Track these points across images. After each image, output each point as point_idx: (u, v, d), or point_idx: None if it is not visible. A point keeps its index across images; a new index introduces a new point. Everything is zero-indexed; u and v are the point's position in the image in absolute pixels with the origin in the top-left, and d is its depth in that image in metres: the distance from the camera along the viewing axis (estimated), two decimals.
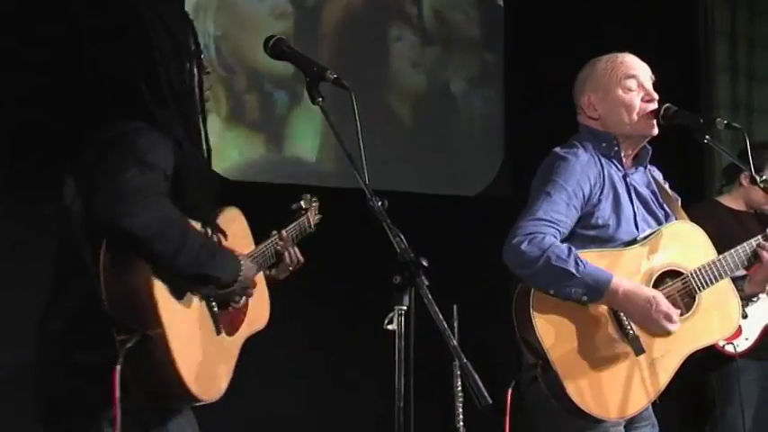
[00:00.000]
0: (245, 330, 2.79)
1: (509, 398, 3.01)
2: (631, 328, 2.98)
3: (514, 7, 6.51)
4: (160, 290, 2.45)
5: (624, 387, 2.98)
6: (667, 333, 2.97)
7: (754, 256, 3.17)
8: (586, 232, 3.07)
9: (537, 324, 2.96)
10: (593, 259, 2.97)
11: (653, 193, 3.25)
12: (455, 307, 5.59)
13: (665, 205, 3.24)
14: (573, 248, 2.96)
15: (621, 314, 2.97)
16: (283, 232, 3.15)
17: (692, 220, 3.29)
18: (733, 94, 7.61)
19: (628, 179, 3.19)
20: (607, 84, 3.17)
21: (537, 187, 3.10)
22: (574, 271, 2.91)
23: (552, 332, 2.96)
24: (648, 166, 3.28)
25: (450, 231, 5.96)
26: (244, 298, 2.73)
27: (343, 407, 5.59)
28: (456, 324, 5.56)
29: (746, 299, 3.26)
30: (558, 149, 3.17)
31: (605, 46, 3.34)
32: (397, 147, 6.23)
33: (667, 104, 3.12)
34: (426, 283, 2.28)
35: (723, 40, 7.55)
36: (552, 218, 2.99)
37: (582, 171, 3.07)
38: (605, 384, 2.97)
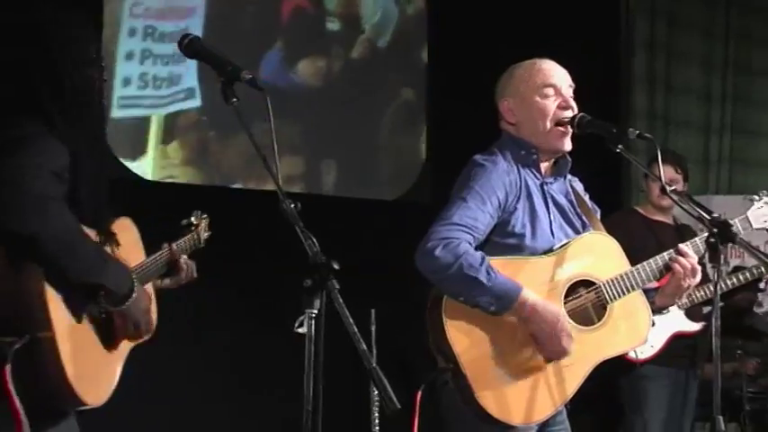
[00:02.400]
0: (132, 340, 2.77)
1: (418, 400, 3.02)
2: None
3: (438, 9, 6.55)
4: (51, 294, 2.46)
5: (531, 393, 3.00)
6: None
7: (666, 269, 3.21)
8: (502, 240, 3.09)
9: (448, 329, 2.97)
10: (505, 267, 2.99)
11: (570, 202, 3.28)
12: (373, 311, 5.60)
13: (583, 216, 3.28)
14: (485, 257, 2.98)
15: None
16: (174, 245, 3.14)
17: (606, 229, 3.34)
18: (650, 105, 7.76)
19: (545, 188, 3.21)
20: (525, 90, 3.19)
21: (454, 193, 3.11)
22: (484, 281, 2.93)
23: (463, 337, 2.97)
24: (569, 177, 3.32)
25: (369, 235, 5.98)
26: (143, 323, 2.69)
27: (252, 410, 5.57)
28: (374, 328, 5.58)
29: (657, 311, 3.30)
30: (476, 157, 3.18)
31: (529, 52, 3.36)
32: (315, 149, 6.22)
33: (581, 114, 3.14)
34: (337, 286, 2.27)
35: (643, 50, 7.71)
36: (467, 223, 3.00)
37: (498, 178, 3.09)
38: (513, 390, 2.99)
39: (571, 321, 3.08)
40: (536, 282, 3.05)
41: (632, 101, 7.64)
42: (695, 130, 8.08)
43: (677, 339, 4.89)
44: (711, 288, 4.77)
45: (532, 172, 3.19)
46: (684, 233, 5.00)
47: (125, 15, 5.59)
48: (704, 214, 3.02)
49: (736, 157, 8.28)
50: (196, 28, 5.65)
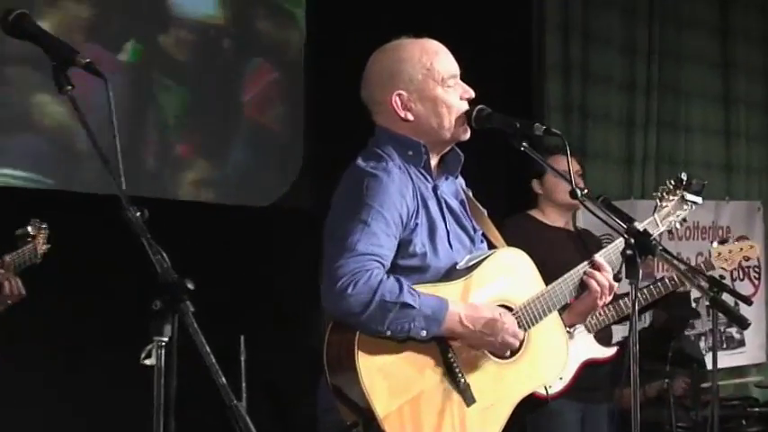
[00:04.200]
0: None
1: None
2: (462, 377, 3.05)
3: None
4: None
5: None
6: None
7: (581, 287, 3.29)
8: (404, 262, 3.09)
9: (363, 376, 2.96)
10: None
11: (462, 203, 3.33)
12: (242, 338, 5.59)
13: (472, 219, 3.34)
14: (401, 278, 3.00)
15: (452, 361, 3.02)
16: (6, 258, 3.08)
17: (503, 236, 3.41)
18: (565, 95, 7.89)
19: (438, 192, 3.24)
20: (424, 81, 3.18)
21: (346, 211, 3.07)
22: (411, 302, 2.95)
23: (379, 384, 2.97)
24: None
25: (238, 248, 5.97)
26: None
27: None
28: (243, 358, 5.56)
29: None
30: (362, 163, 3.15)
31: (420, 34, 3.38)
32: (174, 149, 6.19)
33: (480, 106, 3.18)
34: (192, 309, 2.27)
35: (555, 32, 7.82)
36: (375, 252, 2.99)
37: (397, 192, 3.09)
38: None
39: (490, 356, 3.14)
40: None
41: (544, 91, 7.73)
42: (616, 124, 8.26)
43: (589, 368, 4.95)
44: (623, 306, 4.90)
45: (423, 175, 3.21)
46: (586, 240, 5.14)
47: None
48: (619, 222, 3.09)
49: (664, 155, 8.51)
50: None
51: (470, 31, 6.51)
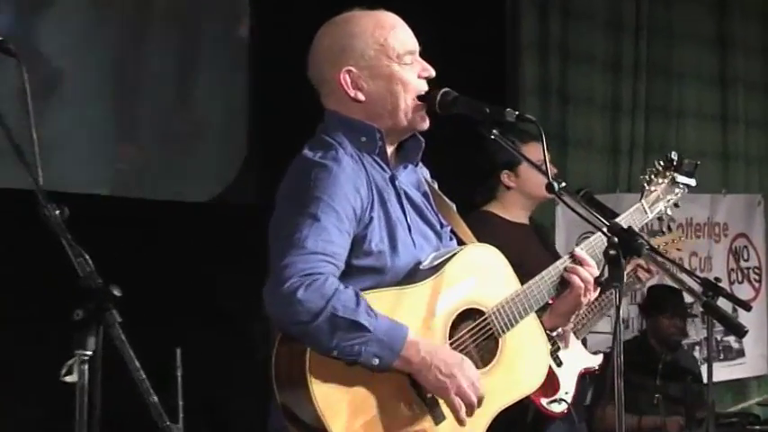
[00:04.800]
0: None
1: None
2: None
3: None
4: None
5: None
6: (470, 406, 3.03)
7: (562, 284, 3.31)
8: (360, 262, 3.07)
9: (316, 394, 2.92)
10: (374, 305, 2.98)
11: (425, 195, 3.32)
12: (178, 351, 5.58)
13: (438, 213, 3.33)
14: (360, 293, 2.96)
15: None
16: None
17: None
18: (542, 77, 7.92)
19: (396, 182, 3.22)
20: (377, 56, 3.17)
21: (292, 205, 3.06)
22: (366, 324, 2.91)
23: (335, 402, 2.94)
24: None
25: (174, 249, 5.96)
26: None
27: None
28: (180, 373, 5.56)
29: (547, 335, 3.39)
30: (309, 152, 3.13)
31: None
32: (97, 135, 6.17)
33: (445, 89, 3.16)
34: (119, 319, 2.26)
35: (532, 8, 7.84)
36: (327, 250, 2.96)
37: (349, 183, 3.07)
38: None
39: None
40: (413, 319, 3.06)
41: (519, 72, 7.75)
42: (600, 108, 8.31)
43: (583, 380, 4.97)
44: (606, 301, 4.93)
45: (378, 163, 3.20)
46: (543, 235, 5.18)
47: None
48: (601, 218, 3.10)
49: (654, 143, 8.57)
50: None
51: (435, 4, 6.53)
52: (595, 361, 4.99)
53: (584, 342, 5.07)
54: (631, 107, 8.43)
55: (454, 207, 3.41)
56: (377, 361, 2.94)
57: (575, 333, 4.94)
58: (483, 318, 3.18)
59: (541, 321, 3.37)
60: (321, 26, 3.28)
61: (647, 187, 3.74)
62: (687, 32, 8.79)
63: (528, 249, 4.65)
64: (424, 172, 3.37)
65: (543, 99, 7.89)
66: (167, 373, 5.42)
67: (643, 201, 3.69)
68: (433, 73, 3.22)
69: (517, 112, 3.11)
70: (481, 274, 3.25)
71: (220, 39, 6.64)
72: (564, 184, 3.21)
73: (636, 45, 8.44)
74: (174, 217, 6.13)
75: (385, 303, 3.02)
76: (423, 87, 3.20)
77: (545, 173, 3.16)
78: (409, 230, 3.18)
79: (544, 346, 3.35)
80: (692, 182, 3.81)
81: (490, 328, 3.18)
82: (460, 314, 3.17)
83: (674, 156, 3.81)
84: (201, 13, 6.55)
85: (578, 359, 4.93)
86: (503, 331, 3.20)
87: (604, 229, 3.09)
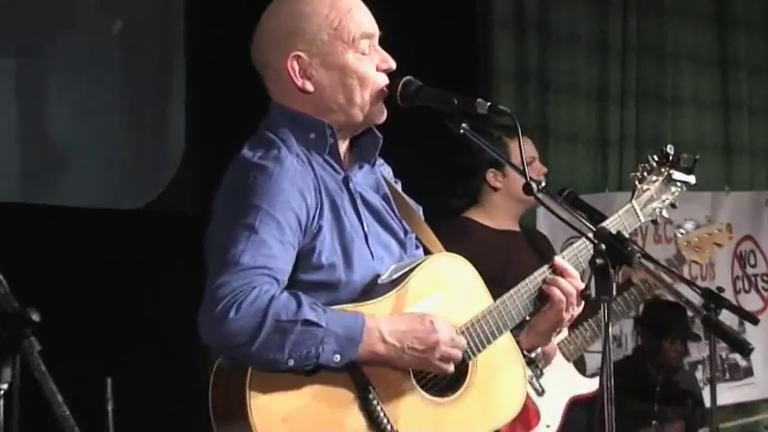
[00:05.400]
0: None
1: None
2: (389, 424, 3.03)
3: None
4: None
5: None
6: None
7: (541, 299, 3.29)
8: (308, 277, 3.08)
9: (258, 426, 2.94)
10: None
11: (385, 198, 3.33)
12: (109, 380, 5.57)
13: (402, 218, 3.33)
14: (297, 292, 2.97)
15: (374, 403, 3.00)
16: None
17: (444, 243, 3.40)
18: (519, 61, 7.92)
19: (350, 184, 3.22)
20: (332, 41, 3.17)
21: (228, 213, 3.06)
22: (315, 319, 2.93)
23: None
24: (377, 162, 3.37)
25: (102, 263, 5.95)
26: None
27: None
28: (110, 406, 5.55)
29: (525, 357, 3.39)
30: (247, 152, 3.13)
31: None
32: (21, 141, 6.15)
33: (407, 77, 3.17)
34: (38, 346, 2.27)
35: None
36: (265, 264, 2.97)
37: (292, 187, 3.07)
38: None
39: (424, 393, 3.13)
40: None
41: (492, 55, 7.76)
42: (585, 96, 8.34)
43: (576, 407, 4.98)
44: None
45: (329, 163, 3.21)
46: (536, 243, 5.19)
47: None
48: (584, 221, 3.11)
49: (646, 135, 8.63)
50: None
51: None
52: (590, 386, 4.98)
53: (580, 364, 5.07)
54: (620, 94, 8.48)
55: (420, 211, 3.41)
56: (338, 357, 2.96)
57: (565, 355, 4.95)
58: None
59: (518, 341, 3.36)
60: (268, 6, 3.28)
61: (638, 186, 3.73)
62: (682, 8, 8.84)
63: (513, 259, 4.65)
64: (384, 171, 3.38)
65: (520, 86, 7.91)
66: (97, 406, 5.41)
67: (634, 201, 3.68)
68: (393, 65, 3.22)
69: (489, 103, 3.11)
70: (448, 288, 3.25)
71: (153, 32, 6.63)
72: (543, 183, 3.20)
73: (624, 23, 8.48)
74: (102, 227, 6.12)
75: None
76: (382, 81, 3.20)
77: (522, 172, 3.13)
78: (366, 240, 3.19)
79: (521, 371, 3.33)
80: (692, 179, 3.80)
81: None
82: None
83: (669, 149, 3.80)
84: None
85: (567, 385, 4.96)
86: (473, 353, 3.20)
87: (590, 235, 3.08)
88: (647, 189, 3.73)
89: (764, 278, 8.65)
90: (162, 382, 5.85)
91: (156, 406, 5.87)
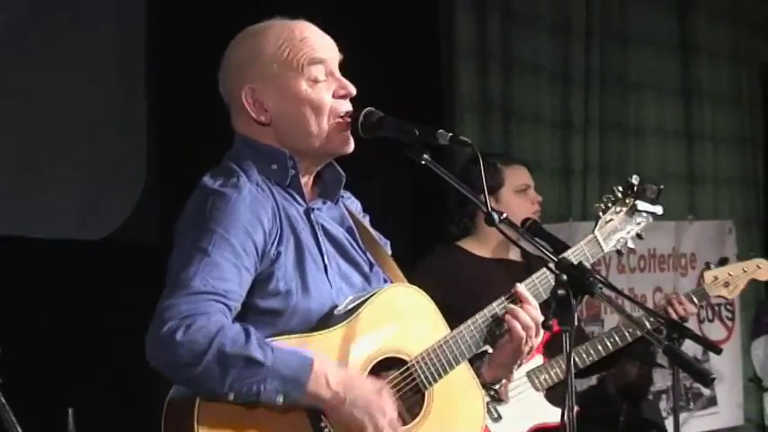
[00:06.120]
0: None
1: None
2: None
3: None
4: None
5: None
6: None
7: (498, 328, 3.28)
8: (264, 303, 3.09)
9: None
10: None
11: (349, 231, 3.34)
12: (71, 411, 5.55)
13: (367, 252, 3.34)
14: (249, 327, 2.97)
15: (326, 426, 3.01)
16: None
17: (417, 278, 3.40)
18: (482, 91, 7.90)
19: (312, 215, 3.24)
20: (280, 71, 3.19)
21: (185, 238, 3.08)
22: (261, 358, 2.93)
23: None
24: (342, 195, 3.36)
25: (64, 294, 5.93)
26: None
27: None
28: None
29: (487, 389, 3.38)
30: (208, 180, 3.15)
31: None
32: None
33: (368, 108, 3.18)
34: None
35: (468, 11, 7.78)
36: (216, 289, 2.98)
37: (248, 212, 3.08)
38: None
39: None
40: None
41: (455, 84, 7.73)
42: (548, 125, 8.33)
43: None
44: (582, 353, 4.92)
45: (291, 195, 3.22)
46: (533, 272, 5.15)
47: None
48: (547, 252, 3.11)
49: (610, 164, 8.65)
50: None
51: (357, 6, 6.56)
52: (556, 414, 4.93)
53: (558, 392, 5.02)
54: (584, 124, 8.48)
55: (387, 246, 3.43)
56: (281, 398, 2.97)
57: (534, 384, 4.94)
58: (406, 367, 3.19)
59: (480, 373, 3.36)
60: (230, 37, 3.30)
61: (602, 216, 3.75)
62: (645, 37, 8.88)
63: (491, 286, 4.67)
64: (352, 205, 3.40)
65: (483, 116, 7.88)
66: None
67: (596, 232, 3.69)
68: (352, 91, 3.24)
69: (451, 134, 3.10)
70: (403, 318, 3.26)
71: (113, 52, 6.62)
72: (538, 212, 3.20)
73: (587, 52, 8.50)
74: (62, 258, 6.10)
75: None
76: (341, 108, 3.21)
77: (484, 203, 3.13)
78: (325, 271, 3.20)
79: (479, 401, 3.32)
80: (658, 209, 3.81)
81: (414, 379, 3.19)
82: (379, 363, 3.18)
83: (634, 180, 3.81)
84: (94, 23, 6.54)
85: (530, 413, 4.95)
86: (429, 383, 3.21)
87: (551, 265, 3.07)
88: (611, 219, 3.75)
89: (728, 307, 8.70)
90: (123, 413, 5.83)
91: (115, 429, 5.85)
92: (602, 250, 3.67)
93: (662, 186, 3.88)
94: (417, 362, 3.20)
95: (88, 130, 6.48)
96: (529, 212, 4.99)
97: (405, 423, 3.17)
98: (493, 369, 3.39)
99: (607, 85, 8.62)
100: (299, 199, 3.23)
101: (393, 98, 3.29)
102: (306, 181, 3.26)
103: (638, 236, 3.81)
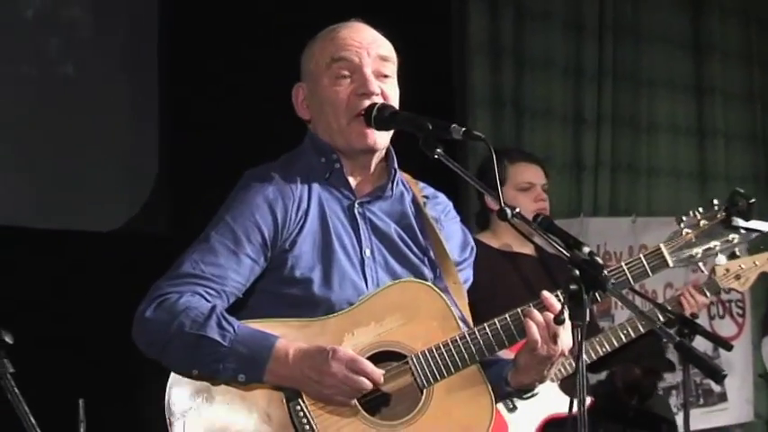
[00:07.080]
0: None
1: None
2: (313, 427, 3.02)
3: None
4: None
5: None
6: (357, 392, 3.03)
7: (519, 332, 3.19)
8: (282, 290, 3.13)
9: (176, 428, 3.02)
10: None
11: (407, 229, 3.33)
12: (81, 402, 5.56)
13: (431, 252, 3.32)
14: (216, 307, 3.04)
15: (309, 416, 2.99)
16: None
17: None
18: (495, 86, 7.93)
19: (357, 209, 3.26)
20: (315, 71, 3.27)
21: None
22: (218, 338, 2.99)
23: None
24: (426, 193, 3.39)
25: (76, 285, 5.94)
26: None
27: None
28: (83, 427, 5.53)
29: (516, 395, 3.32)
30: (253, 169, 3.26)
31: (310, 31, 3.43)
32: None
33: (381, 102, 3.20)
34: (11, 369, 2.27)
35: (481, 5, 7.84)
36: (204, 272, 3.07)
37: (263, 202, 3.15)
38: None
39: (367, 416, 3.12)
40: None
41: (467, 80, 7.76)
42: (560, 120, 8.34)
43: (552, 427, 4.97)
44: (596, 345, 4.91)
45: (337, 188, 3.26)
46: (552, 268, 5.14)
47: None
48: (561, 248, 3.07)
49: (621, 160, 8.65)
50: None
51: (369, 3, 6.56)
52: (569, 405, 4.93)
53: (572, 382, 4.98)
54: (596, 119, 8.48)
55: (470, 250, 3.46)
56: (242, 377, 3.03)
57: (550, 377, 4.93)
58: (402, 362, 3.17)
59: (508, 381, 3.29)
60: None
61: (680, 227, 3.42)
62: (657, 34, 8.87)
63: (503, 281, 4.65)
64: (437, 206, 3.41)
65: (495, 111, 7.90)
66: (69, 429, 5.39)
67: (663, 244, 3.39)
68: (371, 89, 3.24)
69: (464, 129, 3.10)
70: (410, 313, 3.23)
71: (127, 52, 6.64)
72: (518, 209, 3.16)
73: (600, 48, 8.50)
74: (75, 249, 6.11)
75: (282, 333, 3.08)
76: (357, 106, 3.23)
77: (497, 197, 3.12)
78: (362, 264, 3.23)
79: (486, 409, 3.21)
80: (761, 225, 3.43)
81: (411, 374, 3.16)
82: (379, 355, 3.16)
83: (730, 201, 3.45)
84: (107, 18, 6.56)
85: (545, 404, 4.93)
86: (428, 381, 3.17)
87: (566, 259, 3.00)
88: (689, 233, 3.41)
89: (738, 304, 8.65)
90: (134, 402, 5.84)
91: (128, 428, 5.86)
92: (668, 265, 3.38)
93: (753, 200, 3.46)
94: (417, 358, 3.17)
95: (100, 123, 6.49)
96: (530, 210, 4.99)
97: (396, 418, 3.15)
98: (518, 375, 3.29)
99: (619, 82, 8.61)
100: (345, 192, 3.28)
101: (406, 93, 3.28)
102: (358, 175, 3.30)
103: (733, 255, 3.50)
